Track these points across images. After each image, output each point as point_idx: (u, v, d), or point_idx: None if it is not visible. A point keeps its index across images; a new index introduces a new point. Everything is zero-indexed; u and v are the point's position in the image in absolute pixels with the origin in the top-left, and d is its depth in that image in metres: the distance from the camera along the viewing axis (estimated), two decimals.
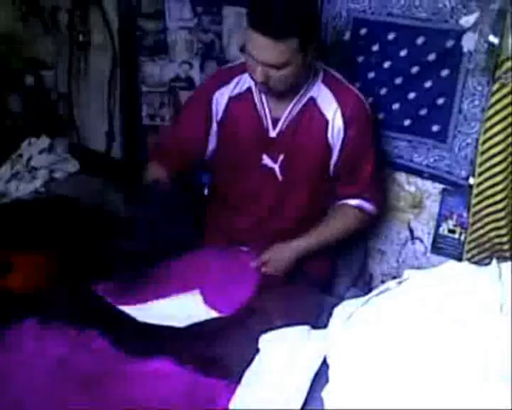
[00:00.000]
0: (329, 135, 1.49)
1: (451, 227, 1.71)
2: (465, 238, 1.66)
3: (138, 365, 1.07)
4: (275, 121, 1.51)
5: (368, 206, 1.57)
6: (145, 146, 2.30)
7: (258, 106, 1.51)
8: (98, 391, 1.02)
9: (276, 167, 1.54)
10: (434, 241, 1.76)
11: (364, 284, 1.91)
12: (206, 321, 1.24)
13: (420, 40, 1.61)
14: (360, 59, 1.73)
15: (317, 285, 1.55)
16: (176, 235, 1.36)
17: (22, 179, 1.91)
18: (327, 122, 1.48)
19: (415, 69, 1.64)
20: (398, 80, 1.68)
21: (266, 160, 1.54)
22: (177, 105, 2.22)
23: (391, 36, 1.66)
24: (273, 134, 1.52)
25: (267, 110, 1.51)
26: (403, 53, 1.65)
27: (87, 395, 1.01)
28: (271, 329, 1.17)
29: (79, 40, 2.29)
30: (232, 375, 1.06)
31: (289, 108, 1.49)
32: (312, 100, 1.49)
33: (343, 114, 1.47)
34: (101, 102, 2.36)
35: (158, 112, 2.26)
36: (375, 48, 1.70)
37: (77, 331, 1.15)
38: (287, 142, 1.51)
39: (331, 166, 1.55)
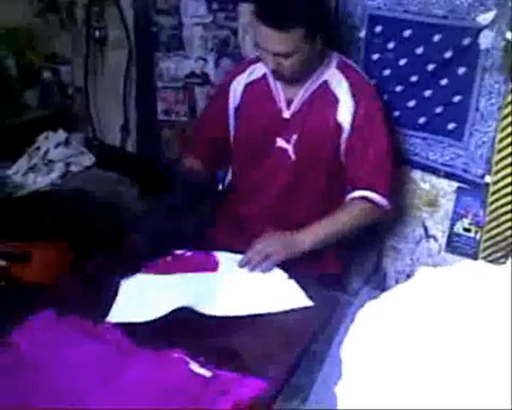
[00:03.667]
0: (339, 114, 1.51)
1: (466, 226, 1.70)
2: (480, 237, 1.65)
3: (151, 356, 1.08)
4: (289, 103, 1.55)
5: (376, 197, 1.52)
6: (160, 141, 2.32)
7: (273, 89, 1.56)
8: (113, 381, 1.03)
9: (290, 148, 1.56)
10: (449, 239, 1.76)
11: (378, 282, 1.91)
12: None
13: (436, 37, 1.60)
14: (375, 56, 1.73)
15: (331, 282, 1.55)
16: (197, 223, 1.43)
17: (39, 172, 1.93)
18: (337, 102, 1.51)
19: (431, 67, 1.63)
20: (414, 78, 1.68)
21: (280, 142, 1.57)
22: (192, 101, 2.23)
23: (407, 33, 1.65)
24: (287, 115, 1.55)
25: (281, 93, 1.55)
26: (419, 50, 1.64)
27: (102, 386, 1.02)
28: (285, 325, 1.17)
29: (96, 36, 2.31)
30: (245, 368, 1.07)
31: (303, 90, 1.53)
32: (325, 83, 1.53)
33: (353, 95, 1.50)
34: (117, 97, 2.37)
35: (173, 107, 2.28)
36: (391, 45, 1.69)
37: (92, 323, 1.17)
38: (299, 122, 1.54)
39: (342, 148, 1.55)
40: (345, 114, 1.51)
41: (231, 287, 1.32)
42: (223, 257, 1.42)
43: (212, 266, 1.39)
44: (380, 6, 1.67)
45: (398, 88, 1.71)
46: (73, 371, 1.06)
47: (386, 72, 1.72)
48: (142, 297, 1.27)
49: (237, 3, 2.01)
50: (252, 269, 1.37)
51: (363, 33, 1.73)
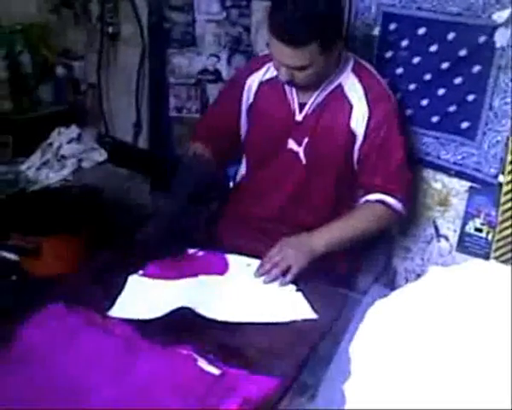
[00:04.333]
0: (352, 120, 1.49)
1: (478, 226, 1.68)
2: (492, 237, 1.63)
3: (160, 352, 1.09)
4: (302, 106, 1.53)
5: (392, 201, 1.50)
6: (171, 138, 2.33)
7: (287, 91, 1.54)
8: (121, 376, 1.04)
9: (301, 150, 1.55)
10: (460, 239, 1.74)
11: (388, 281, 1.90)
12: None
13: (451, 35, 1.59)
14: (389, 54, 1.72)
15: (340, 280, 1.55)
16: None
17: (52, 168, 1.94)
18: (351, 107, 1.49)
19: (445, 65, 1.62)
20: (428, 76, 1.66)
21: (292, 144, 1.56)
22: (204, 98, 2.24)
23: (421, 31, 1.64)
24: (299, 118, 1.54)
25: (295, 95, 1.53)
26: (433, 48, 1.63)
27: (110, 380, 1.03)
28: (291, 323, 1.17)
29: (109, 32, 2.32)
30: (252, 365, 1.07)
31: (316, 94, 1.51)
32: (340, 87, 1.50)
33: (368, 101, 1.48)
34: (130, 94, 2.38)
35: (185, 104, 2.28)
36: (405, 43, 1.68)
37: (101, 317, 1.17)
38: (311, 125, 1.52)
39: (355, 154, 1.54)
40: (358, 121, 1.49)
41: (236, 293, 1.30)
42: (233, 260, 1.40)
43: (221, 269, 1.37)
44: (394, 3, 1.66)
45: (412, 86, 1.70)
46: (82, 364, 1.06)
47: (400, 70, 1.71)
48: (146, 295, 1.27)
49: (250, 1, 2.00)
50: (270, 282, 1.33)
51: (376, 31, 1.72)
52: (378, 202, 1.50)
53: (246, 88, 1.60)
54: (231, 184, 1.85)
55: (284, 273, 1.34)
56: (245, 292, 1.31)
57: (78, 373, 1.05)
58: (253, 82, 1.59)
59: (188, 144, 1.65)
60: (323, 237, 1.43)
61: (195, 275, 1.33)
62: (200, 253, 1.43)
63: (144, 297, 1.26)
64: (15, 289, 1.33)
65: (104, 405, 0.98)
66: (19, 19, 2.19)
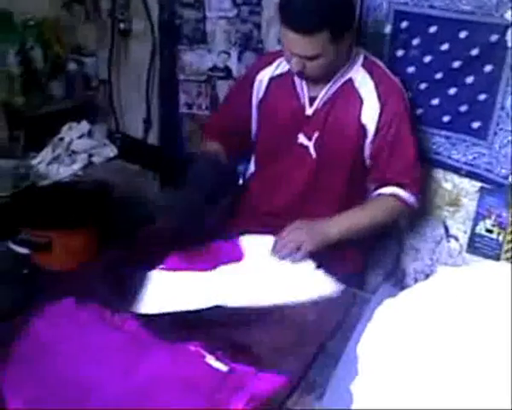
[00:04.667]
0: (363, 115, 1.50)
1: (489, 227, 1.67)
2: (503, 238, 1.62)
3: (168, 348, 1.09)
4: (312, 100, 1.53)
5: (405, 194, 1.52)
6: (181, 134, 2.33)
7: (297, 85, 1.54)
8: (129, 372, 1.04)
9: (311, 145, 1.55)
10: (471, 240, 1.73)
11: (397, 281, 1.89)
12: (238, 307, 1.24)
13: (463, 34, 1.57)
14: (400, 52, 1.71)
15: (349, 279, 1.54)
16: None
17: (62, 162, 1.96)
18: (362, 102, 1.49)
19: (456, 64, 1.61)
20: (439, 75, 1.65)
21: (302, 138, 1.56)
22: (214, 94, 2.24)
23: (433, 29, 1.63)
24: (309, 112, 1.54)
25: (305, 89, 1.54)
26: (444, 47, 1.62)
27: (119, 376, 1.04)
28: (301, 320, 1.17)
29: (120, 28, 2.32)
30: (260, 362, 1.07)
31: (326, 88, 1.51)
32: (350, 81, 1.51)
33: (379, 96, 1.48)
34: (140, 90, 2.39)
35: (195, 101, 2.29)
36: (416, 41, 1.67)
37: (111, 313, 1.18)
38: (321, 119, 1.53)
39: (366, 149, 1.54)
40: (369, 115, 1.49)
41: (259, 277, 1.33)
42: (246, 243, 1.43)
43: (238, 256, 1.39)
44: (406, 1, 1.65)
45: (423, 85, 1.69)
46: (91, 359, 1.07)
47: (411, 68, 1.70)
48: (172, 289, 1.28)
49: None
50: (282, 259, 1.38)
51: (388, 29, 1.71)
52: (391, 195, 1.52)
53: (256, 84, 1.60)
54: (241, 180, 1.86)
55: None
56: (267, 275, 1.34)
57: (87, 368, 1.05)
58: (263, 78, 1.60)
59: (201, 142, 1.68)
60: (337, 224, 1.46)
61: (215, 267, 1.34)
62: (215, 243, 1.44)
63: (171, 291, 1.28)
64: (26, 282, 1.34)
65: (112, 399, 0.99)
66: (31, 14, 2.20)
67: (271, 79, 1.59)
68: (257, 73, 1.61)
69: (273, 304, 1.24)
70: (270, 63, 1.60)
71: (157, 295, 1.26)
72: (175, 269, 1.33)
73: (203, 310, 1.22)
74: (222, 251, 1.41)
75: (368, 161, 1.57)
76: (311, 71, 1.43)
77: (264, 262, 1.38)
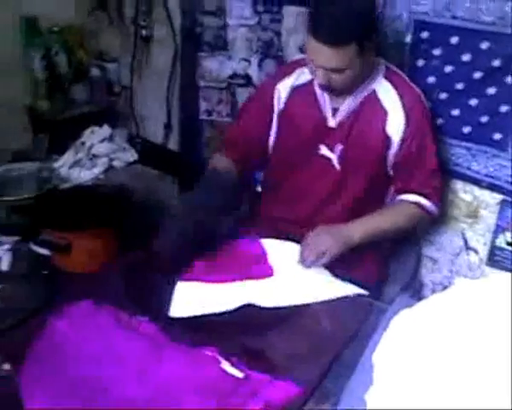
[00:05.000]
0: (388, 127, 1.50)
1: (510, 240, 1.65)
2: None
3: (184, 353, 1.10)
4: (334, 111, 1.53)
5: (427, 203, 1.55)
6: (201, 140, 2.35)
7: (319, 96, 1.54)
8: (145, 375, 1.06)
9: (335, 158, 1.55)
10: (490, 253, 1.71)
11: (415, 292, 1.88)
12: (255, 313, 1.25)
13: (484, 45, 1.56)
14: (420, 63, 1.70)
15: (366, 288, 1.54)
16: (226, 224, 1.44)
17: (84, 166, 1.98)
18: (386, 114, 1.49)
19: (478, 75, 1.60)
20: (460, 86, 1.65)
21: (324, 150, 1.55)
22: (234, 102, 2.25)
23: (454, 40, 1.62)
24: (332, 124, 1.53)
25: (327, 100, 1.53)
26: (466, 57, 1.61)
27: (134, 379, 1.05)
28: (317, 328, 1.17)
29: (143, 35, 2.35)
30: (275, 370, 1.08)
31: (350, 100, 1.51)
32: (373, 93, 1.50)
33: (404, 107, 1.48)
34: (161, 96, 2.41)
35: (215, 107, 2.30)
36: (437, 52, 1.66)
37: (128, 315, 1.19)
38: (346, 132, 1.52)
39: (389, 160, 1.54)
40: (394, 126, 1.49)
41: (286, 284, 1.35)
42: (270, 248, 1.45)
43: (267, 272, 1.39)
44: (427, 11, 1.64)
45: (443, 96, 1.68)
46: (107, 361, 1.08)
47: (431, 79, 1.69)
48: (200, 298, 1.29)
49: (282, 6, 2.01)
50: (308, 267, 1.39)
51: (408, 39, 1.70)
52: (414, 203, 1.54)
53: (276, 94, 1.59)
54: (259, 187, 1.86)
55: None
56: (294, 281, 1.37)
57: (103, 369, 1.07)
58: (283, 88, 1.58)
59: (214, 155, 1.67)
60: (360, 227, 1.48)
61: (242, 278, 1.35)
62: (239, 244, 1.46)
63: (199, 299, 1.29)
64: (46, 283, 1.36)
65: (128, 401, 1.00)
66: (57, 21, 2.24)
67: (292, 90, 1.58)
68: (276, 83, 1.60)
69: (295, 305, 1.27)
70: (289, 73, 1.59)
71: (184, 301, 1.28)
72: (201, 280, 1.33)
73: (230, 312, 1.23)
74: (247, 257, 1.42)
75: (390, 171, 1.57)
76: (337, 84, 1.42)
77: (293, 275, 1.39)
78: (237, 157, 1.61)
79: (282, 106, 1.60)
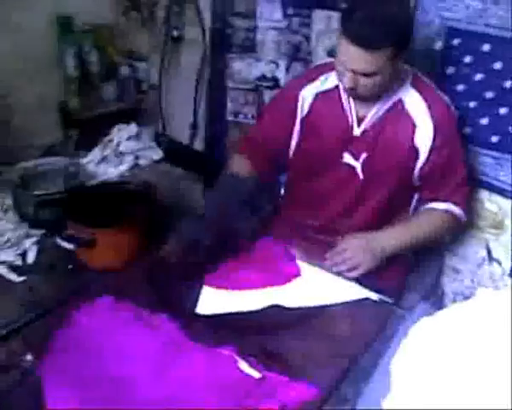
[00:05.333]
0: (416, 137, 1.48)
1: None
2: None
3: (202, 352, 1.11)
4: (360, 120, 1.51)
5: (457, 210, 1.54)
6: (226, 141, 2.36)
7: (344, 103, 1.52)
8: (163, 373, 1.07)
9: (358, 166, 1.53)
10: None
11: (435, 301, 1.86)
12: (273, 314, 1.26)
13: None
14: (450, 70, 1.68)
15: (387, 295, 1.53)
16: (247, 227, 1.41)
17: (110, 163, 2.01)
18: (414, 124, 1.47)
19: (508, 83, 1.58)
20: (490, 94, 1.63)
21: (348, 158, 1.54)
22: (261, 104, 2.26)
23: (485, 47, 1.60)
24: (357, 132, 1.51)
25: (353, 108, 1.51)
26: (497, 66, 1.59)
27: (153, 376, 1.06)
28: (336, 332, 1.17)
29: (173, 35, 2.38)
30: (292, 371, 1.08)
31: (376, 108, 1.48)
32: (400, 102, 1.48)
33: (432, 118, 1.46)
34: (189, 95, 2.44)
35: (241, 109, 2.31)
36: (468, 59, 1.64)
37: (148, 313, 1.21)
38: (371, 141, 1.50)
39: (416, 170, 1.52)
40: (423, 138, 1.47)
41: (307, 289, 1.36)
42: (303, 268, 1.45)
43: (292, 274, 1.40)
44: (460, 18, 1.63)
45: (472, 104, 1.66)
46: (126, 358, 1.10)
47: (460, 86, 1.67)
48: (225, 301, 1.30)
49: (312, 10, 2.01)
50: (338, 274, 1.39)
51: (439, 45, 1.69)
52: (445, 211, 1.53)
53: (300, 99, 1.57)
54: (282, 190, 1.86)
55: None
56: (319, 282, 1.38)
57: (122, 365, 1.08)
58: (307, 94, 1.56)
59: (233, 156, 1.66)
60: (393, 240, 1.47)
61: (268, 285, 1.35)
62: (265, 245, 1.46)
63: (224, 300, 1.30)
64: (71, 277, 1.39)
65: (146, 398, 1.02)
66: (90, 20, 2.28)
67: (316, 95, 1.56)
68: (301, 88, 1.57)
69: (315, 306, 1.28)
70: (314, 79, 1.56)
71: (209, 301, 1.29)
72: (226, 288, 1.33)
73: (254, 312, 1.25)
74: (273, 259, 1.43)
75: (417, 182, 1.56)
76: (365, 89, 1.40)
77: (318, 276, 1.40)
78: (256, 158, 1.60)
79: (305, 112, 1.58)
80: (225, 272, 1.36)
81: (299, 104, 1.58)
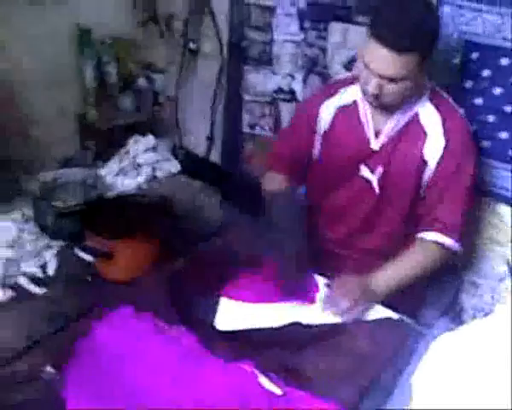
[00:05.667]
0: (426, 150, 1.46)
1: None
2: None
3: (222, 366, 1.11)
4: (377, 133, 1.50)
5: (450, 242, 1.47)
6: (242, 153, 2.37)
7: (362, 117, 1.52)
8: (182, 385, 1.07)
9: (375, 180, 1.53)
10: None
11: (454, 316, 1.84)
12: (294, 330, 1.26)
13: None
14: (469, 84, 1.68)
15: (405, 311, 1.52)
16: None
17: (127, 174, 2.02)
18: (426, 136, 1.46)
19: None
20: (508, 108, 1.62)
21: (364, 171, 1.54)
22: (278, 116, 2.27)
23: (504, 61, 1.59)
24: (375, 146, 1.51)
25: (370, 122, 1.51)
26: None
27: (171, 388, 1.07)
28: (357, 349, 1.17)
29: (191, 47, 2.39)
30: (313, 387, 1.08)
31: (393, 122, 1.48)
32: (416, 115, 1.47)
33: (444, 132, 1.44)
34: (205, 108, 2.45)
35: (258, 121, 2.32)
36: (486, 73, 1.63)
37: (168, 325, 1.21)
38: (387, 155, 1.50)
39: (423, 183, 1.50)
40: (432, 150, 1.46)
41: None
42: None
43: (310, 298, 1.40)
44: (478, 32, 1.62)
45: (490, 118, 1.65)
46: (145, 369, 1.11)
47: (479, 100, 1.66)
48: (244, 315, 1.32)
49: (329, 23, 2.02)
50: (335, 315, 1.35)
51: (457, 59, 1.68)
52: (436, 243, 1.47)
53: (320, 115, 1.57)
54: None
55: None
56: None
57: (141, 377, 1.09)
58: (328, 109, 1.57)
59: (264, 172, 1.67)
60: (382, 282, 1.42)
61: (282, 300, 1.36)
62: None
63: (244, 315, 1.31)
64: (89, 288, 1.40)
65: None
66: (109, 32, 2.31)
67: (337, 110, 1.56)
68: (321, 103, 1.58)
69: (335, 323, 1.29)
70: (333, 94, 1.57)
71: (228, 315, 1.30)
72: (245, 300, 1.34)
73: (275, 328, 1.25)
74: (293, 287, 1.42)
75: (422, 194, 1.54)
76: (389, 96, 1.38)
77: None
78: (289, 172, 1.62)
79: (326, 127, 1.58)
80: (245, 284, 1.37)
81: (320, 119, 1.58)
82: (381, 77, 1.34)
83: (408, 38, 1.29)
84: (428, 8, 1.39)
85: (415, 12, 1.32)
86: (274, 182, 1.60)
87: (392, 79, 1.34)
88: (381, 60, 1.32)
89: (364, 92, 1.42)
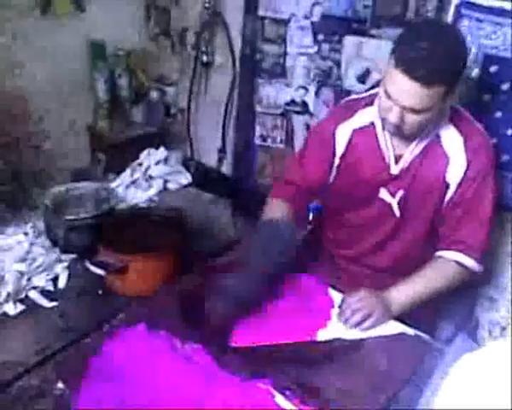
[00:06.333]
0: (449, 171, 1.42)
1: None
2: None
3: (237, 384, 1.09)
4: (397, 157, 1.46)
5: (470, 262, 1.43)
6: (255, 165, 2.36)
7: (381, 141, 1.47)
8: (196, 404, 1.04)
9: (395, 203, 1.49)
10: None
11: (469, 330, 1.81)
12: (310, 347, 1.24)
13: None
14: (487, 97, 1.66)
15: (421, 326, 1.49)
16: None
17: (140, 187, 2.01)
18: (448, 158, 1.42)
19: None
20: None
21: (384, 194, 1.50)
22: (290, 128, 2.26)
23: None
24: (395, 171, 1.46)
25: (390, 146, 1.46)
26: None
27: (185, 407, 1.04)
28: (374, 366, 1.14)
29: (203, 60, 2.39)
30: (331, 406, 1.05)
31: (413, 145, 1.43)
32: (437, 138, 1.42)
33: (466, 152, 1.40)
34: (217, 120, 2.45)
35: (270, 133, 2.31)
36: (505, 86, 1.62)
37: (182, 342, 1.19)
38: (408, 179, 1.46)
39: (444, 204, 1.46)
40: (454, 173, 1.41)
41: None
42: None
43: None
44: (497, 46, 1.60)
45: (510, 131, 1.63)
46: (160, 389, 1.08)
47: (498, 114, 1.65)
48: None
49: (342, 36, 2.01)
50: (350, 327, 1.33)
51: (475, 73, 1.66)
52: (456, 262, 1.43)
53: (337, 138, 1.52)
54: (311, 216, 1.84)
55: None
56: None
57: (155, 395, 1.06)
58: (344, 131, 1.51)
59: (269, 201, 1.59)
60: (399, 298, 1.39)
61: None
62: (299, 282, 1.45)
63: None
64: (101, 303, 1.38)
65: None
66: (121, 45, 2.32)
67: (353, 133, 1.50)
68: (337, 125, 1.52)
69: (351, 339, 1.27)
70: (351, 115, 1.51)
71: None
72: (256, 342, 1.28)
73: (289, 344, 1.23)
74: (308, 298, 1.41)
75: (443, 214, 1.50)
76: (410, 126, 1.32)
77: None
78: (294, 200, 1.56)
79: (342, 150, 1.52)
80: (257, 320, 1.32)
81: (336, 142, 1.52)
82: (404, 108, 1.29)
83: (437, 71, 1.23)
84: (458, 39, 1.31)
85: (445, 44, 1.26)
86: (275, 211, 1.52)
87: (415, 110, 1.28)
88: (404, 91, 1.26)
89: (384, 121, 1.37)
